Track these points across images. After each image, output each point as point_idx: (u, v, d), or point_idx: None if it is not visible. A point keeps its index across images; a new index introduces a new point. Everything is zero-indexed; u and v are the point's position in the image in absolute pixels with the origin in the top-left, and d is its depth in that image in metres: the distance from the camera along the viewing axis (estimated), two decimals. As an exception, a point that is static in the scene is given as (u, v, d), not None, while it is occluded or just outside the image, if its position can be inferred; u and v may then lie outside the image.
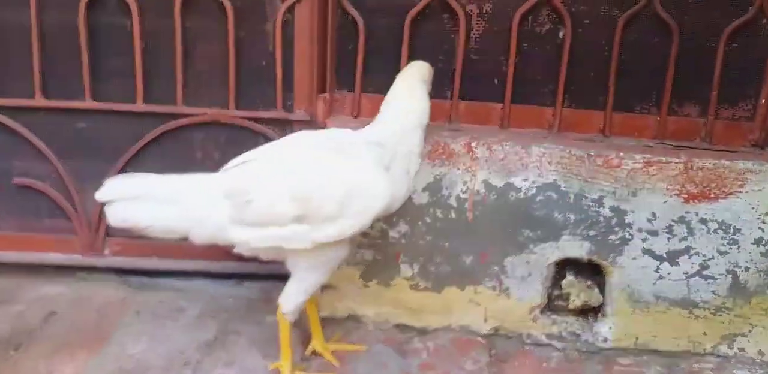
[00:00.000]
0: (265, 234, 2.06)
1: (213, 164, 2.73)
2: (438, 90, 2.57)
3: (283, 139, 2.28)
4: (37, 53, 2.64)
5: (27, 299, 2.75)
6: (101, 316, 2.65)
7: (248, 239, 2.10)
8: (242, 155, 2.20)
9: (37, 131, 2.75)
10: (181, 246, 2.82)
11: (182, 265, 2.86)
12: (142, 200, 2.15)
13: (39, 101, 2.70)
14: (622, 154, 2.37)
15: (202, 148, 2.75)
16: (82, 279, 2.89)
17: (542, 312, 2.58)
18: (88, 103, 2.70)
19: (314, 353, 2.47)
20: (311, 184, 2.03)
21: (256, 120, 2.69)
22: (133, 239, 2.85)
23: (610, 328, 2.53)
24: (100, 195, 2.19)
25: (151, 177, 2.20)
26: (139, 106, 2.69)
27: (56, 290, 2.82)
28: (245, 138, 2.72)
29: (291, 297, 2.22)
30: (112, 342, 2.50)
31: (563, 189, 2.43)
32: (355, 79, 2.59)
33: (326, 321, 2.65)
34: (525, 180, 2.44)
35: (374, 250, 2.58)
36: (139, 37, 2.60)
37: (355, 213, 2.03)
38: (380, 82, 2.58)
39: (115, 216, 2.16)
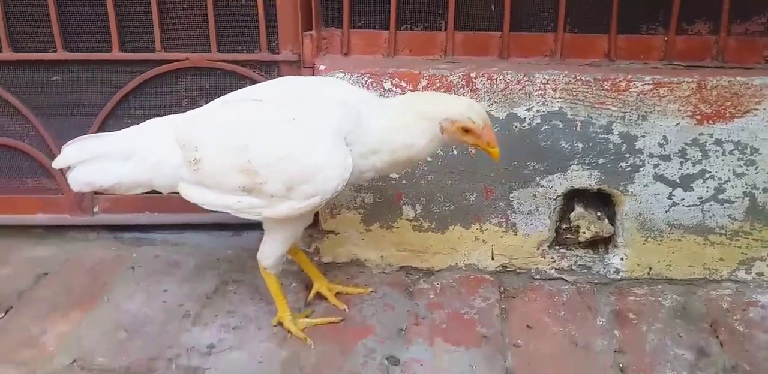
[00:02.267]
0: (216, 201, 1.85)
1: (199, 112, 2.43)
2: (432, 20, 2.27)
3: (258, 86, 2.00)
4: (0, 4, 2.28)
5: (16, 261, 2.45)
6: (94, 275, 2.37)
7: (201, 201, 1.89)
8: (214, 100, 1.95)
9: (9, 87, 2.40)
10: (174, 200, 2.51)
11: (176, 218, 2.56)
12: (100, 160, 1.95)
13: (7, 54, 2.35)
14: (630, 76, 2.08)
15: (187, 95, 2.42)
16: (72, 239, 2.59)
17: (551, 246, 2.32)
18: (60, 54, 2.35)
19: (319, 296, 2.22)
20: (260, 159, 1.74)
21: (241, 63, 2.35)
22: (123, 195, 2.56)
23: (622, 259, 2.28)
24: (56, 163, 2.00)
25: (105, 135, 2.01)
26: (116, 55, 2.35)
27: (46, 251, 2.52)
28: (231, 82, 2.39)
29: (267, 253, 2.00)
30: (107, 299, 2.22)
31: (569, 117, 2.14)
32: (343, 14, 2.26)
33: (329, 267, 2.40)
34: (529, 109, 2.15)
35: (374, 193, 2.29)
36: (109, -23, 2.25)
37: (303, 196, 1.75)
38: (371, 15, 2.29)
39: (77, 182, 1.97)
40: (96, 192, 2.53)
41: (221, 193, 1.83)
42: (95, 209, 2.56)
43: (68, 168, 1.98)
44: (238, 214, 1.85)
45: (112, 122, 2.43)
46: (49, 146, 2.46)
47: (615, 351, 2.01)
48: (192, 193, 1.89)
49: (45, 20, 2.31)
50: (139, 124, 2.42)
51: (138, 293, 2.26)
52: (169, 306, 2.19)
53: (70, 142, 1.99)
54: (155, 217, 2.57)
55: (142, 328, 2.08)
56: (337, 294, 2.22)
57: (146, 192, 2.50)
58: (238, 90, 1.94)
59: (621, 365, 1.95)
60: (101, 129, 2.43)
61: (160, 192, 2.01)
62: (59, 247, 2.54)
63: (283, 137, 1.74)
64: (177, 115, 1.98)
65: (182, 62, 2.35)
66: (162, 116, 2.42)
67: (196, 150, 1.80)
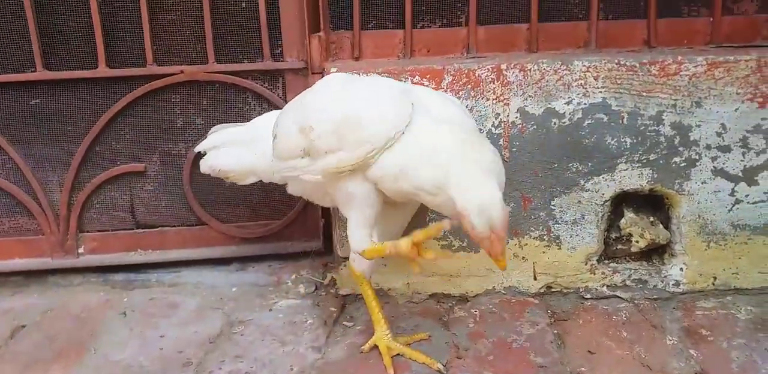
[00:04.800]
0: (282, 165, 1.63)
1: (197, 132, 2.01)
2: (451, 16, 1.91)
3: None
4: (-28, 19, 1.89)
5: (-11, 313, 1.94)
6: (80, 323, 1.85)
7: (277, 171, 1.69)
8: None
9: (-17, 113, 1.98)
10: (168, 235, 2.09)
11: (172, 255, 2.09)
12: (224, 147, 1.83)
13: (-19, 76, 1.94)
14: (680, 57, 1.72)
15: (182, 113, 2.01)
16: (54, 285, 2.08)
17: (600, 260, 1.88)
18: (41, 74, 1.94)
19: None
20: (314, 113, 1.54)
21: (241, 74, 1.96)
22: (112, 232, 2.09)
23: (682, 269, 1.85)
24: (198, 147, 1.90)
25: (237, 126, 1.88)
26: (102, 71, 1.94)
27: (24, 301, 2.00)
28: (230, 97, 2.00)
29: (350, 237, 1.59)
30: (94, 350, 1.71)
31: (614, 108, 1.75)
32: (353, 14, 1.89)
33: (348, 300, 1.93)
34: (568, 103, 1.76)
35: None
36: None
37: (351, 143, 1.45)
38: (382, 14, 1.92)
39: (204, 165, 1.87)
40: (81, 231, 2.07)
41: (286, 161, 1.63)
42: (80, 250, 2.08)
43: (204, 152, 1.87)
44: (296, 172, 1.60)
45: (98, 148, 2.00)
46: (28, 180, 2.00)
47: (696, 373, 1.56)
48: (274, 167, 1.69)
49: (23, 36, 1.91)
50: (128, 148, 2.03)
51: (131, 341, 1.75)
52: (166, 354, 1.68)
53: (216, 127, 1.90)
54: (148, 255, 2.09)
55: (135, 380, 1.58)
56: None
57: (139, 227, 2.11)
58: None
59: (710, 388, 1.50)
60: (86, 157, 2.01)
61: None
62: (40, 295, 2.03)
63: (340, 93, 1.54)
64: None
65: (177, 76, 1.95)
66: (155, 138, 2.03)
67: (276, 127, 1.65)
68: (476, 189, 1.33)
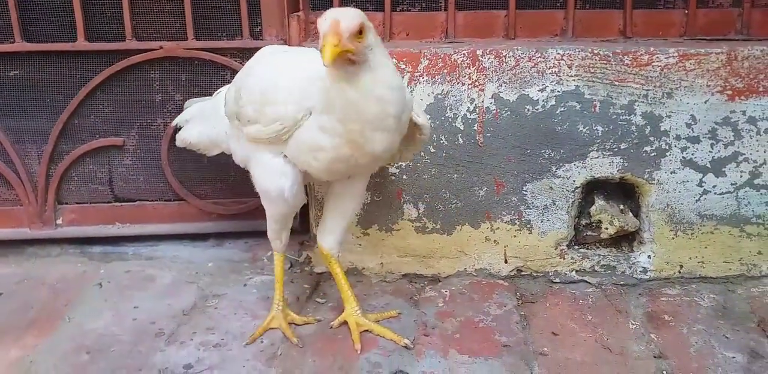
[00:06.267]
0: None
1: (175, 108, 2.16)
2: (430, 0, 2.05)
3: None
4: (-49, -12, 2.02)
5: (-34, 281, 2.12)
6: (56, 294, 2.04)
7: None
8: None
9: (-38, 84, 2.13)
10: (146, 209, 2.26)
11: (150, 229, 2.26)
12: (192, 120, 2.00)
13: (-41, 47, 2.08)
14: (653, 49, 1.86)
15: (161, 89, 2.15)
16: (32, 255, 2.26)
17: (570, 245, 2.05)
18: (20, 45, 2.08)
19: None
20: (243, 83, 1.69)
21: (220, 51, 2.10)
22: (90, 205, 2.26)
23: (650, 257, 2.01)
24: (174, 121, 2.07)
25: (206, 100, 2.03)
26: (81, 44, 2.08)
27: (2, 270, 2.18)
28: (209, 73, 2.14)
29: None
30: (68, 319, 1.90)
31: (587, 96, 1.90)
32: (332, -5, 2.04)
33: (323, 278, 2.10)
34: (542, 90, 1.91)
35: (371, 191, 2.01)
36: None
37: (268, 119, 1.59)
38: (362, -5, 2.06)
39: (178, 138, 2.03)
40: (59, 202, 2.24)
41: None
42: (59, 221, 2.25)
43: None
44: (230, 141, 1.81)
45: (77, 121, 2.16)
46: (7, 152, 2.16)
47: (655, 357, 1.72)
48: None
49: (2, 7, 2.04)
50: (107, 122, 2.18)
51: (105, 311, 1.93)
52: (139, 325, 1.86)
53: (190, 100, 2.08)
54: (126, 229, 2.26)
55: (108, 349, 1.75)
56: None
57: (117, 201, 2.27)
58: None
59: (665, 371, 1.66)
60: (65, 129, 2.16)
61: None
62: (17, 265, 2.21)
63: (266, 66, 1.68)
64: None
65: (155, 52, 2.09)
66: (132, 113, 2.18)
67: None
68: None
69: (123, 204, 2.26)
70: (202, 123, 1.94)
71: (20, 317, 1.91)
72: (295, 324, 1.84)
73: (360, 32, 1.36)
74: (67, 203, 2.26)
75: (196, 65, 2.12)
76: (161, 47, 2.09)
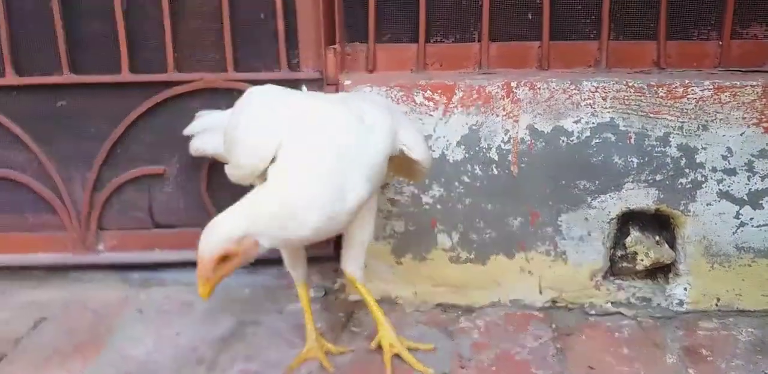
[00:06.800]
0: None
1: (214, 137, 2.27)
2: (464, 31, 2.13)
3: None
4: (4, 24, 2.16)
5: (12, 305, 2.23)
6: (98, 318, 2.15)
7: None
8: None
9: (12, 114, 2.25)
10: (185, 236, 2.35)
11: (189, 256, 2.29)
12: (202, 132, 2.10)
13: (11, 79, 2.20)
14: (687, 81, 1.91)
15: (200, 119, 2.27)
16: (75, 280, 2.37)
17: (605, 277, 2.10)
18: (67, 77, 2.21)
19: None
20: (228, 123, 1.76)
21: (258, 82, 2.14)
22: (131, 231, 2.37)
23: (686, 289, 2.05)
24: (185, 130, 2.17)
25: (216, 112, 2.14)
26: (125, 76, 2.20)
27: (46, 294, 2.30)
28: (248, 104, 2.25)
29: None
30: (111, 345, 2.00)
31: (622, 128, 1.96)
32: (368, 28, 2.12)
33: (357, 306, 2.17)
34: (577, 121, 1.97)
35: (405, 220, 2.09)
36: (118, -6, 2.14)
37: (234, 162, 1.68)
38: (397, 28, 2.15)
39: (191, 147, 2.14)
40: (101, 228, 2.36)
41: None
42: (100, 247, 2.37)
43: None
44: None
45: (120, 150, 2.27)
46: (53, 178, 2.29)
47: (693, 393, 1.77)
48: None
49: (51, 40, 2.18)
50: (148, 151, 2.30)
51: (146, 337, 2.03)
52: (180, 351, 1.95)
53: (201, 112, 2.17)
54: (166, 255, 2.36)
55: (152, 375, 1.86)
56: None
57: (157, 228, 2.39)
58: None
59: (703, 408, 1.71)
60: (109, 157, 2.27)
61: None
62: (61, 289, 2.32)
63: (251, 110, 1.70)
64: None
65: (196, 83, 2.20)
66: (173, 142, 2.29)
67: None
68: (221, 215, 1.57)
69: (162, 230, 2.38)
70: (210, 135, 2.03)
71: (65, 341, 2.02)
72: (330, 352, 1.92)
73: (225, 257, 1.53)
74: (108, 229, 2.37)
75: (235, 96, 2.20)
76: (202, 79, 2.20)
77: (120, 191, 2.34)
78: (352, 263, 1.90)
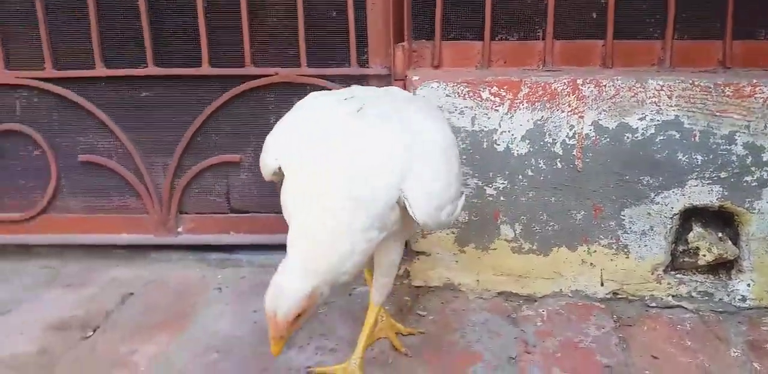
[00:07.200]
0: None
1: (287, 128, 2.42)
2: (528, 29, 2.21)
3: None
4: (94, 20, 2.35)
5: (100, 282, 2.46)
6: (180, 296, 2.35)
7: None
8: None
9: (100, 103, 2.46)
10: (258, 220, 2.55)
11: (263, 239, 2.53)
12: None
13: (100, 71, 2.41)
14: (755, 80, 1.96)
15: (275, 111, 2.41)
16: (156, 260, 2.59)
17: (666, 271, 2.17)
18: (151, 70, 2.40)
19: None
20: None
21: (329, 77, 2.34)
22: (208, 215, 2.57)
23: (749, 285, 2.11)
24: None
25: None
26: (205, 70, 2.38)
27: (130, 272, 2.52)
28: (320, 97, 2.39)
29: None
30: (195, 320, 2.19)
31: (687, 126, 2.02)
32: (435, 25, 2.22)
33: (421, 291, 2.32)
34: (641, 119, 2.04)
35: (469, 211, 2.21)
36: (200, -8, 2.30)
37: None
38: (462, 26, 2.25)
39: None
40: (181, 212, 2.56)
41: None
42: (179, 229, 2.57)
43: None
44: None
45: (200, 139, 2.46)
46: (137, 164, 2.49)
47: (760, 385, 1.84)
48: None
49: (137, 35, 2.36)
50: (226, 140, 2.47)
51: (226, 314, 2.22)
52: (259, 328, 2.13)
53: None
54: (241, 238, 2.56)
55: (234, 350, 2.03)
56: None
57: (233, 212, 2.57)
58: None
59: (769, 400, 1.79)
60: (189, 145, 2.46)
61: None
62: (142, 268, 2.54)
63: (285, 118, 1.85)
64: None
65: (271, 77, 2.36)
66: (250, 132, 2.45)
67: None
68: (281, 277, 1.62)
69: (238, 215, 2.56)
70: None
71: (151, 316, 2.22)
72: (400, 333, 2.07)
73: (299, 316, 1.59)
74: (187, 213, 2.57)
75: (308, 90, 2.34)
76: (277, 73, 2.35)
77: (199, 177, 2.53)
78: (375, 292, 1.90)
